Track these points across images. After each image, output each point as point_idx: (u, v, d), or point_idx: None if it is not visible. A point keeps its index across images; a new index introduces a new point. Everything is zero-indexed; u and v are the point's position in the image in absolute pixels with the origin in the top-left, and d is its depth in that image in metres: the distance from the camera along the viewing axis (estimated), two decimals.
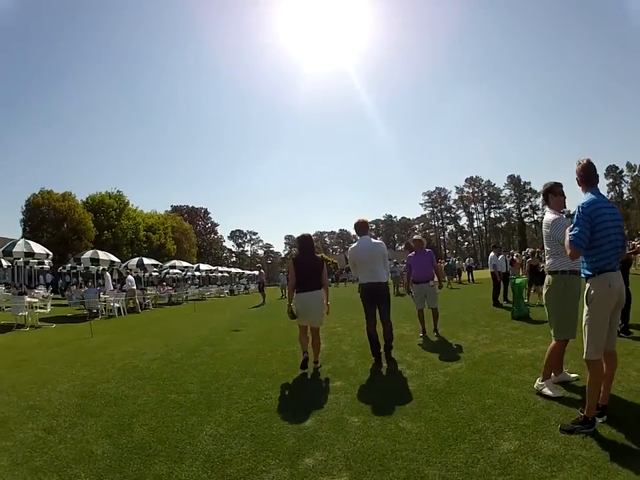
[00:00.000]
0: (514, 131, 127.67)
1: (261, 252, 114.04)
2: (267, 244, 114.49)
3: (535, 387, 4.18)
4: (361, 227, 6.03)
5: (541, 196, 4.51)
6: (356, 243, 6.08)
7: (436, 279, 8.13)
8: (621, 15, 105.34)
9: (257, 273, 30.71)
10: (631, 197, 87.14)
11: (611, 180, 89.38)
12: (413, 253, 8.04)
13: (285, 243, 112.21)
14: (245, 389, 4.97)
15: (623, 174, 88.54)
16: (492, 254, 12.94)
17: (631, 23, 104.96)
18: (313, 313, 5.61)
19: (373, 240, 6.08)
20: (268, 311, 16.38)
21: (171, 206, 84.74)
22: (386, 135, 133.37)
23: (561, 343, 4.15)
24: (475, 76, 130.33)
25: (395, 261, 24.89)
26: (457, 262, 29.07)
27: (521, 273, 16.30)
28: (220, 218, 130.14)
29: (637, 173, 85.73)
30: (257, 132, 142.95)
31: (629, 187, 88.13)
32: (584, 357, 3.32)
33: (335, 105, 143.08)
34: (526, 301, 10.70)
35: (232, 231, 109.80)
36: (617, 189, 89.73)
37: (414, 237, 8.50)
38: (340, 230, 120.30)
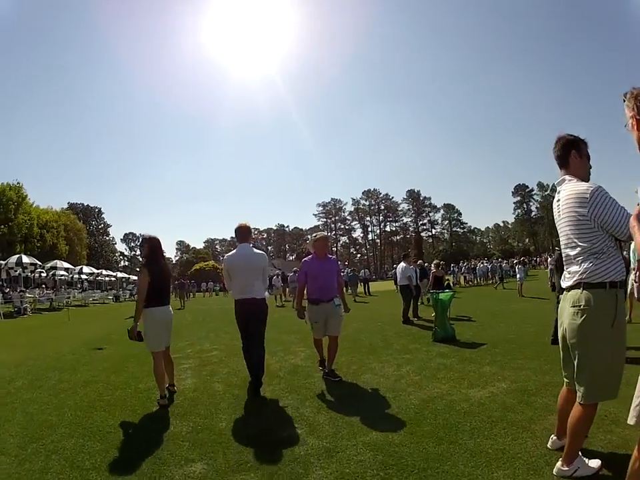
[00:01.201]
0: (419, 147, 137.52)
1: None
2: None
3: (555, 472, 2.68)
4: (242, 232, 5.25)
5: (556, 153, 2.81)
6: (234, 251, 5.24)
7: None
8: (521, 36, 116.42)
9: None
10: (539, 215, 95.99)
11: (519, 198, 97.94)
12: (310, 257, 5.82)
13: (177, 249, 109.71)
14: (65, 459, 3.39)
15: (533, 193, 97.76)
16: (402, 264, 11.66)
17: (528, 48, 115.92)
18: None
19: (255, 250, 5.24)
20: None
21: (68, 203, 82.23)
22: (288, 146, 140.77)
23: (593, 408, 2.62)
24: (386, 91, 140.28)
25: (295, 269, 23.22)
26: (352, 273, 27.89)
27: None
28: (114, 219, 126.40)
29: (548, 192, 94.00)
30: (165, 138, 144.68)
31: (538, 205, 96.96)
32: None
33: (251, 113, 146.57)
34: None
35: (125, 234, 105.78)
36: (525, 206, 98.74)
37: (316, 235, 6.01)
38: (231, 237, 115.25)
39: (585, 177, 2.73)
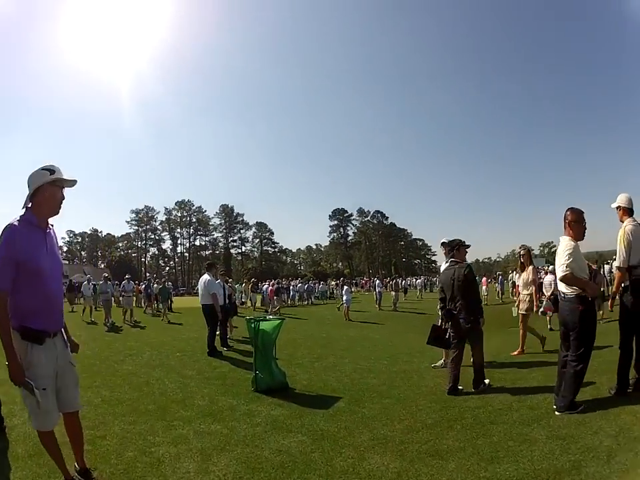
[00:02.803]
0: (236, 163, 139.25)
1: None
2: None
3: None
4: None
5: None
6: None
7: None
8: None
9: None
10: (356, 239, 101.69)
11: (336, 222, 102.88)
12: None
13: None
14: None
15: (352, 218, 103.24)
16: (206, 277, 9.54)
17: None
18: None
19: None
20: None
21: None
22: (111, 146, 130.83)
23: None
24: (213, 106, 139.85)
25: (105, 275, 19.38)
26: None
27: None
28: None
29: (367, 218, 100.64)
30: None
31: (355, 231, 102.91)
32: None
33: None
34: None
35: None
36: (342, 230, 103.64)
37: None
38: None
39: None
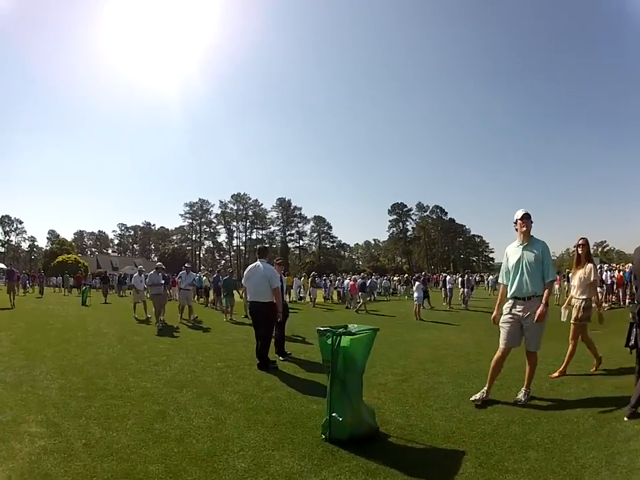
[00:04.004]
0: (293, 157, 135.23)
1: (24, 245, 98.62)
2: (31, 236, 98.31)
3: None
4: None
5: None
6: None
7: None
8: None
9: None
10: (416, 235, 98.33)
11: (395, 217, 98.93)
12: None
13: (48, 238, 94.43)
14: None
15: (411, 212, 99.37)
16: (263, 265, 7.29)
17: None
18: None
19: None
20: None
21: None
22: (169, 142, 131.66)
23: None
24: (267, 101, 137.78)
25: (159, 264, 17.52)
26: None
27: None
28: None
29: (427, 213, 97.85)
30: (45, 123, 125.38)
31: (414, 225, 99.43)
32: None
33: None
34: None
35: (1, 216, 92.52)
36: (401, 225, 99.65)
37: None
38: (99, 231, 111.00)
39: None
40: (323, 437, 3.86)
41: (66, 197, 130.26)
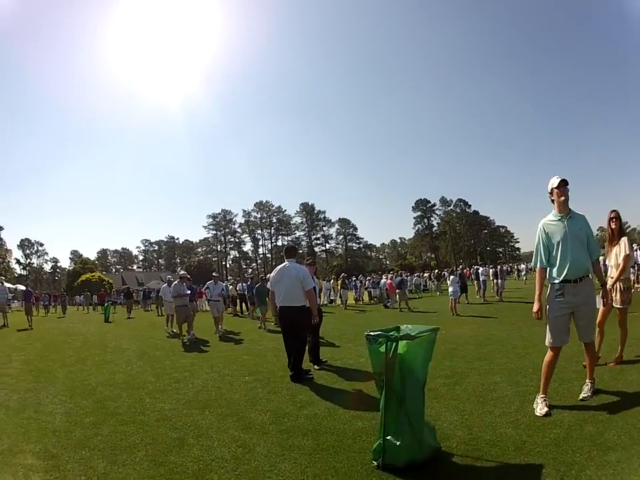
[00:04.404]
0: (314, 161, 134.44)
1: (47, 266, 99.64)
2: (53, 258, 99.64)
3: None
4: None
5: None
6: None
7: None
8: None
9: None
10: (441, 230, 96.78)
11: (420, 213, 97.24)
12: None
13: (70, 259, 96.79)
14: None
15: (435, 208, 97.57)
16: (293, 265, 6.48)
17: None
18: None
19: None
20: None
21: None
22: (187, 155, 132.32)
23: None
24: (281, 105, 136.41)
25: (183, 274, 16.93)
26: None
27: None
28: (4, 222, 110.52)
29: (450, 207, 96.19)
30: (65, 144, 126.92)
31: (439, 221, 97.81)
32: None
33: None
34: None
35: (21, 240, 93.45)
36: (426, 221, 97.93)
37: None
38: (122, 248, 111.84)
39: None
40: (375, 463, 3.10)
41: (87, 217, 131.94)
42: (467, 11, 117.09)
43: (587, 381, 4.33)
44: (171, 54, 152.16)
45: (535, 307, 4.15)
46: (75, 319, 22.78)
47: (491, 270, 20.93)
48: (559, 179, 4.13)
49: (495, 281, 19.60)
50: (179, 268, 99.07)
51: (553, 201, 4.23)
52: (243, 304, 19.41)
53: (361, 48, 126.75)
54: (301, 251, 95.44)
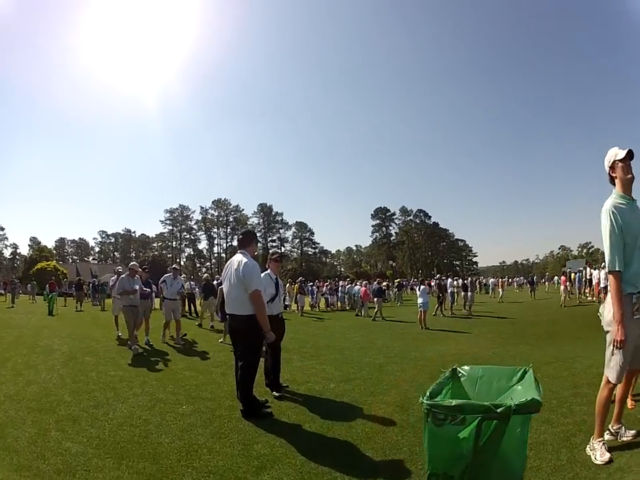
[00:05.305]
0: (275, 163, 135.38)
1: (7, 252, 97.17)
2: (13, 243, 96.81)
3: None
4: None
5: None
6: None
7: None
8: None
9: None
10: (399, 239, 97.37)
11: (379, 221, 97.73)
12: None
13: (29, 246, 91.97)
14: None
15: (394, 217, 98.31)
16: (244, 259, 4.80)
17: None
18: None
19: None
20: None
21: None
22: (151, 147, 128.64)
23: None
24: (248, 107, 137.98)
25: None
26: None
27: None
28: None
29: (410, 217, 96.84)
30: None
31: (398, 230, 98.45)
32: None
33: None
34: None
35: None
36: (384, 230, 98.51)
37: None
38: (80, 239, 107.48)
39: None
40: None
41: (48, 204, 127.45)
42: (433, 17, 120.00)
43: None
44: (142, 47, 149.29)
45: (621, 333, 2.90)
46: (20, 310, 20.94)
47: (458, 282, 20.37)
48: (626, 150, 3.03)
49: (463, 293, 18.84)
50: (134, 263, 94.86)
51: (613, 179, 3.13)
52: (192, 305, 17.59)
53: (330, 54, 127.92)
54: (255, 253, 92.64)
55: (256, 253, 5.16)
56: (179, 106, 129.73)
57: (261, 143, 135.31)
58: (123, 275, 9.37)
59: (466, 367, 2.34)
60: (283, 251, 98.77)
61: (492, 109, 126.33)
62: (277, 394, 5.20)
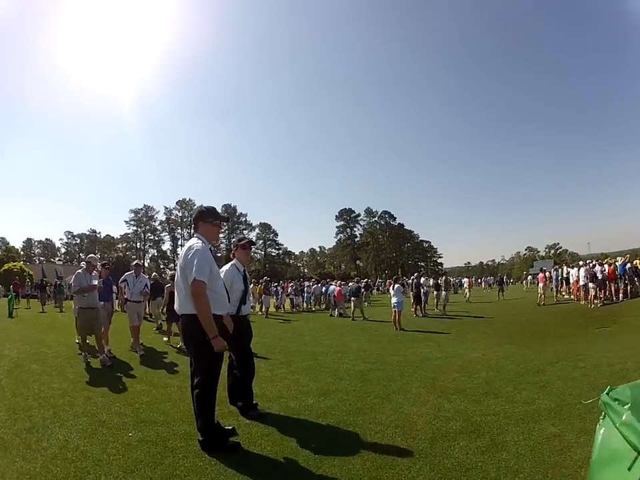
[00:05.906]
0: (240, 163, 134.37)
1: None
2: None
3: None
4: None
5: None
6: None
7: None
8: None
9: None
10: (364, 240, 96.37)
11: (343, 222, 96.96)
12: None
13: None
14: None
15: (359, 218, 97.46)
16: (198, 244, 3.78)
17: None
18: None
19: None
20: None
21: None
22: (120, 146, 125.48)
23: None
24: (211, 107, 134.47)
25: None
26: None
27: None
28: None
29: (375, 219, 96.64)
30: None
31: (362, 231, 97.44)
32: None
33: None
34: None
35: None
36: (349, 231, 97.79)
37: None
38: (46, 239, 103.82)
39: None
40: None
41: (16, 203, 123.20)
42: (403, 18, 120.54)
43: None
44: (116, 45, 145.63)
45: None
46: None
47: (429, 281, 19.82)
48: None
49: (435, 293, 18.31)
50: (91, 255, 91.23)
51: None
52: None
53: (300, 53, 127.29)
54: (219, 254, 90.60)
55: (218, 238, 4.17)
56: (151, 104, 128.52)
57: (228, 142, 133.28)
58: (79, 270, 7.72)
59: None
60: None
61: (459, 110, 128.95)
62: (248, 414, 4.20)
